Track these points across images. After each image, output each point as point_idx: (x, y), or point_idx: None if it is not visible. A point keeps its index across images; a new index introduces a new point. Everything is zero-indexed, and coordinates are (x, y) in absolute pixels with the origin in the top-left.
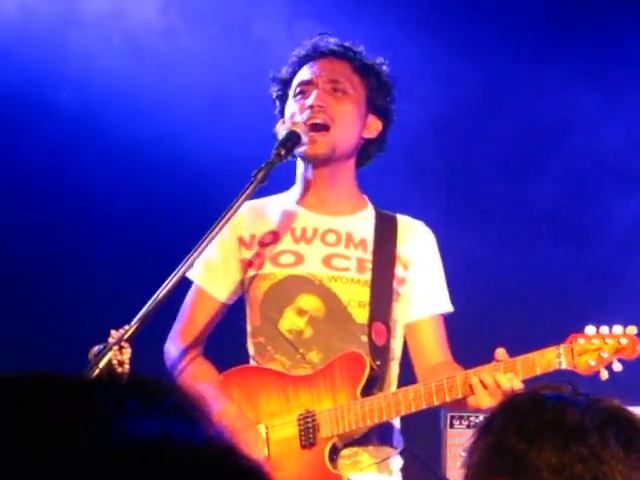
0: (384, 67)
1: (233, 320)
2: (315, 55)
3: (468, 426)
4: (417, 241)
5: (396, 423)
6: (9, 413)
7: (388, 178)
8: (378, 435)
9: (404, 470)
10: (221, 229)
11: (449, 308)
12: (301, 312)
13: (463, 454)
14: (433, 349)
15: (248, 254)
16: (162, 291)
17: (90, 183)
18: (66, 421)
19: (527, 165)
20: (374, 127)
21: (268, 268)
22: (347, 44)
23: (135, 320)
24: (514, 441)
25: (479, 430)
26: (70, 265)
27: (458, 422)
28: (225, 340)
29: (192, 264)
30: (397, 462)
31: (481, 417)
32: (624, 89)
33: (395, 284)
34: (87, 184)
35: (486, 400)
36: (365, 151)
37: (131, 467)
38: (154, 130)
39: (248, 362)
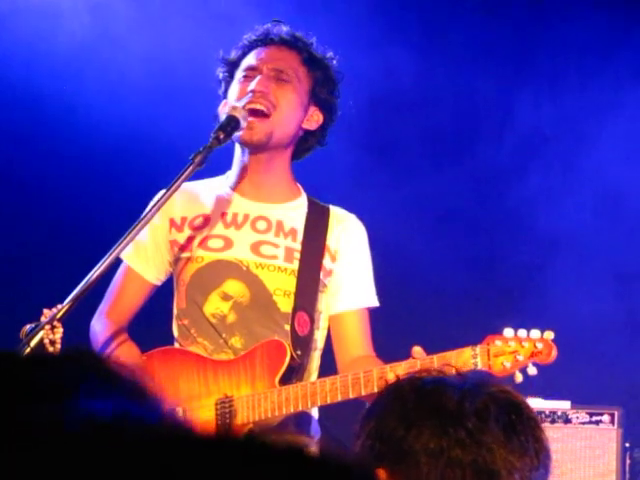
0: (333, 62)
1: (161, 301)
2: (265, 41)
3: None
4: (347, 234)
5: (314, 412)
6: None
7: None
8: (295, 424)
9: None
10: (156, 212)
11: (374, 302)
12: (226, 297)
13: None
14: (355, 342)
15: (179, 236)
16: (96, 272)
17: (25, 162)
18: (17, 401)
19: (451, 156)
20: (315, 119)
21: (197, 251)
22: (298, 34)
23: (68, 300)
24: (393, 427)
25: (363, 416)
26: (3, 244)
27: None
28: (151, 321)
29: (126, 245)
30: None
31: None
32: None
33: (322, 275)
34: (20, 163)
35: None
36: (304, 143)
37: (86, 449)
38: (92, 108)
39: (172, 344)
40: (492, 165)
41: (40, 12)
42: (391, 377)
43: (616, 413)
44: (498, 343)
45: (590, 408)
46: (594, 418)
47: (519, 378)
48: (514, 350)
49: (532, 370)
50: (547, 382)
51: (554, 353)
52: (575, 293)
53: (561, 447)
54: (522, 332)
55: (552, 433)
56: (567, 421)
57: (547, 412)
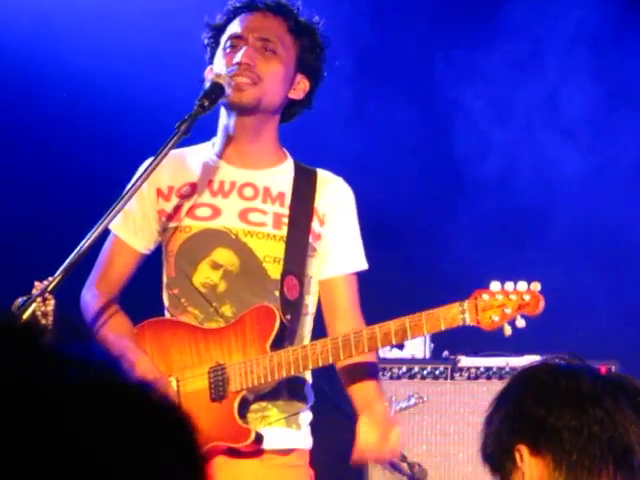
0: (319, 26)
1: (150, 270)
2: (250, 8)
3: (391, 377)
4: (335, 197)
5: (308, 378)
6: None
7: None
8: (288, 390)
9: (312, 424)
10: (144, 181)
11: (363, 266)
12: (216, 266)
13: (386, 404)
14: (344, 308)
15: (166, 205)
16: (86, 242)
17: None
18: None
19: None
20: (301, 87)
21: (184, 221)
22: (284, 1)
23: (59, 271)
24: (534, 408)
25: (496, 401)
26: None
27: (381, 373)
28: (142, 290)
29: (115, 216)
30: (306, 417)
31: (404, 368)
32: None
33: (311, 239)
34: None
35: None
36: (291, 109)
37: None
38: (75, 74)
39: (163, 313)
40: None
41: None
42: (380, 336)
43: (613, 367)
44: (485, 297)
45: (587, 363)
46: None
47: (508, 331)
48: (502, 303)
49: (520, 322)
50: (544, 338)
51: (542, 304)
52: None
53: None
54: (509, 285)
55: None
56: None
57: None
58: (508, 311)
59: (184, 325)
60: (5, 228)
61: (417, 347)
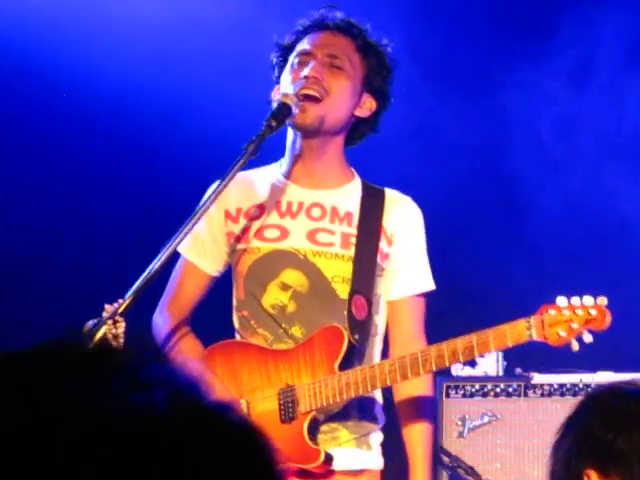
0: (387, 48)
1: (222, 293)
2: (319, 27)
3: (464, 395)
4: (403, 216)
5: (378, 398)
6: (25, 389)
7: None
8: (358, 410)
9: (383, 445)
10: (212, 203)
11: (430, 286)
12: (285, 287)
13: (459, 423)
14: (407, 329)
15: (234, 227)
16: (155, 265)
17: (79, 153)
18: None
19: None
20: (368, 106)
21: (253, 242)
22: (353, 21)
23: (129, 294)
24: (602, 432)
25: (563, 426)
26: (64, 240)
27: (454, 391)
28: (214, 312)
29: (184, 237)
30: (377, 437)
31: (477, 386)
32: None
33: (379, 259)
34: (74, 154)
35: None
36: (357, 129)
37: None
38: (148, 103)
39: (234, 336)
40: None
41: None
42: (448, 354)
43: None
44: (552, 312)
45: None
46: None
47: (575, 346)
48: (568, 319)
49: (588, 337)
50: (617, 355)
51: (608, 319)
52: None
53: None
54: (575, 300)
55: None
56: None
57: None
58: (575, 326)
59: (253, 347)
60: (76, 251)
61: (490, 364)
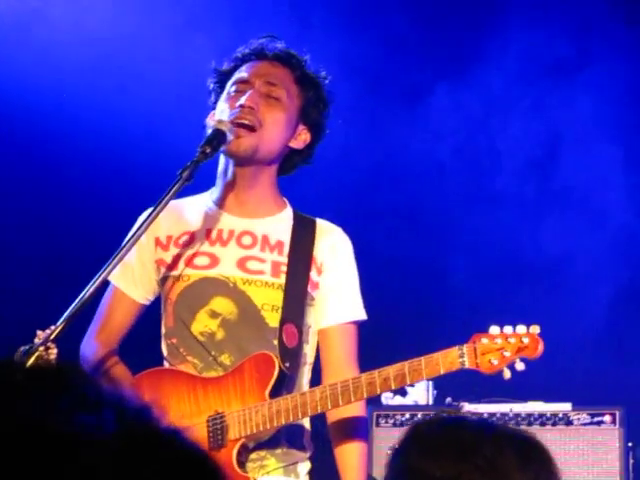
0: (325, 81)
1: (150, 321)
2: (259, 56)
3: (394, 424)
4: (333, 246)
5: (307, 427)
6: None
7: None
8: (287, 439)
9: (311, 474)
10: (145, 231)
11: (361, 315)
12: (214, 314)
13: (389, 452)
14: (339, 358)
15: (164, 255)
16: (87, 291)
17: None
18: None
19: None
20: (302, 138)
21: (183, 270)
22: (292, 51)
23: (61, 320)
24: (418, 460)
25: (390, 454)
26: None
27: (384, 420)
28: (142, 340)
29: (116, 265)
30: (305, 466)
31: (407, 415)
32: None
33: (309, 288)
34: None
35: None
36: (290, 160)
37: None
38: (78, 119)
39: (162, 363)
40: None
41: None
42: (380, 382)
43: (617, 413)
44: (484, 341)
45: (591, 409)
46: (595, 419)
47: (507, 374)
48: (500, 347)
49: (520, 366)
50: (547, 385)
51: (540, 347)
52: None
53: (563, 449)
54: (508, 328)
55: (554, 435)
56: (569, 423)
57: (548, 415)
58: (507, 354)
59: (183, 374)
60: (7, 278)
61: (420, 394)
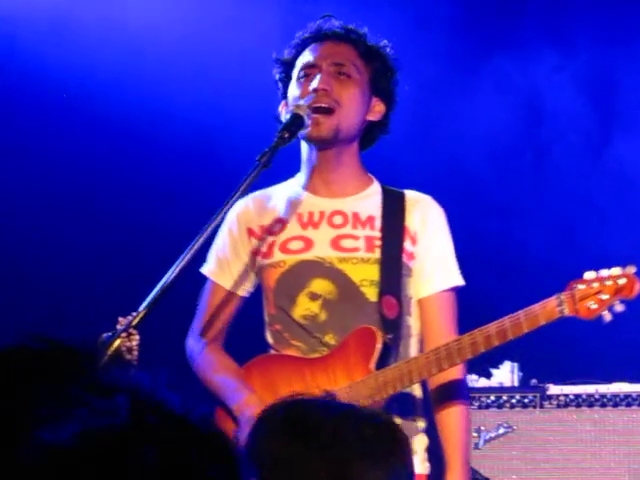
0: (388, 50)
1: (254, 310)
2: (319, 37)
3: (479, 406)
4: (425, 215)
5: (418, 396)
6: None
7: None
8: (400, 410)
9: (430, 449)
10: (226, 213)
11: (459, 281)
12: (314, 296)
13: (475, 434)
14: (438, 326)
15: (259, 244)
16: (169, 278)
17: (89, 171)
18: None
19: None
20: (377, 110)
21: (278, 256)
22: (351, 27)
23: (142, 307)
24: (265, 441)
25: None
26: (77, 253)
27: (470, 403)
28: (247, 330)
29: (197, 249)
30: (421, 440)
31: (492, 397)
32: None
33: (405, 259)
34: (87, 173)
35: None
36: (369, 133)
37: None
38: (155, 113)
39: (268, 351)
40: None
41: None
42: (482, 340)
43: None
44: (581, 287)
45: None
46: None
47: (608, 317)
48: (597, 290)
49: (619, 307)
50: (633, 366)
51: (637, 286)
52: None
53: None
54: (604, 271)
55: None
56: None
57: (634, 395)
58: (605, 297)
59: (289, 358)
60: (90, 263)
61: (505, 375)
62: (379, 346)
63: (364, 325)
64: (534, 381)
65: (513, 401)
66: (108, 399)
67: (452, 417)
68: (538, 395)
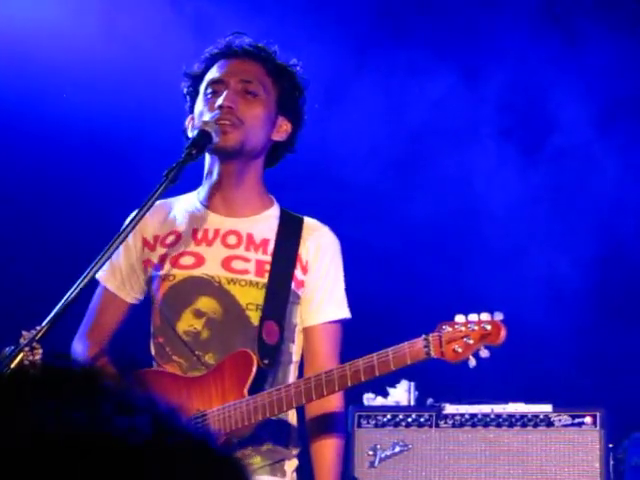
0: (297, 68)
1: (140, 320)
2: (228, 54)
3: (376, 425)
4: (319, 245)
5: (293, 424)
6: None
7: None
8: (272, 436)
9: (298, 472)
10: (132, 230)
11: (345, 314)
12: (199, 314)
13: (371, 453)
14: (321, 356)
15: (151, 255)
16: (73, 292)
17: None
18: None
19: None
20: (283, 129)
21: (169, 269)
22: (261, 45)
23: (46, 321)
24: None
25: None
26: None
27: (366, 421)
28: (132, 340)
29: (102, 265)
30: (292, 464)
31: (389, 416)
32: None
33: (294, 286)
34: None
35: None
36: (275, 152)
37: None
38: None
39: (151, 363)
40: None
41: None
42: (350, 374)
43: (598, 415)
44: (449, 329)
45: (572, 411)
46: (576, 420)
47: (472, 362)
48: (464, 334)
49: (484, 353)
50: (528, 387)
51: (503, 333)
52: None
53: (544, 450)
54: (472, 316)
55: (535, 437)
56: (550, 424)
57: (530, 416)
58: (470, 342)
59: (167, 375)
60: None
61: (402, 394)
62: (254, 371)
63: (242, 349)
64: (430, 400)
65: (409, 420)
66: (130, 417)
67: (325, 448)
68: (434, 414)
